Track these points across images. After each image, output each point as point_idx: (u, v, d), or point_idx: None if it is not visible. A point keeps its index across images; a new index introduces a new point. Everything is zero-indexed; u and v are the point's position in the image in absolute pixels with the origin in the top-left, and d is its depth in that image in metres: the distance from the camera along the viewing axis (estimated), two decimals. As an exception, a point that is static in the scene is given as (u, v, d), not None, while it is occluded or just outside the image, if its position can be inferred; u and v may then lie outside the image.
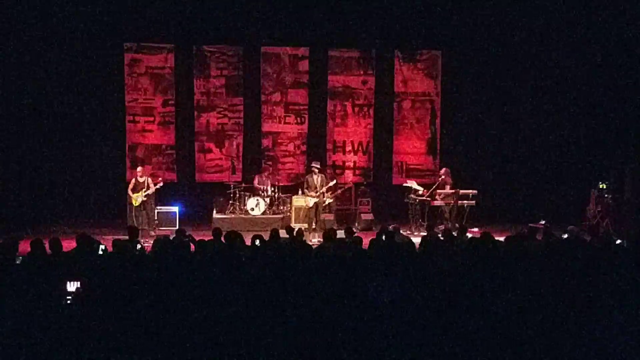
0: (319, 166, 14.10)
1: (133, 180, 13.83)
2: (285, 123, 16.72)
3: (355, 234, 9.72)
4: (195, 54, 16.32)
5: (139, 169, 14.05)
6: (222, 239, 9.19)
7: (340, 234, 10.49)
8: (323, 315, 5.72)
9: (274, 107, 16.68)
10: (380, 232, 9.66)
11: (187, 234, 9.63)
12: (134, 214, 13.54)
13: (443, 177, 14.56)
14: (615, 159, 15.41)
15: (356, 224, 15.15)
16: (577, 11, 16.03)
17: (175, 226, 13.96)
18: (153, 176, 14.39)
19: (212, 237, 9.43)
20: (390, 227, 9.99)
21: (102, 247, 8.87)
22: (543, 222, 13.28)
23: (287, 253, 8.16)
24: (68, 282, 6.68)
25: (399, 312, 5.86)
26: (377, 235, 9.68)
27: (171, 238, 9.28)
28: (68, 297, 6.48)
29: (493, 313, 5.86)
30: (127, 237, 9.35)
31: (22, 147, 15.41)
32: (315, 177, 13.83)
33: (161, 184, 14.00)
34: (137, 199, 13.55)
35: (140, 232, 13.14)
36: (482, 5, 16.33)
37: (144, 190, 13.62)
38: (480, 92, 16.99)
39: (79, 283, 6.59)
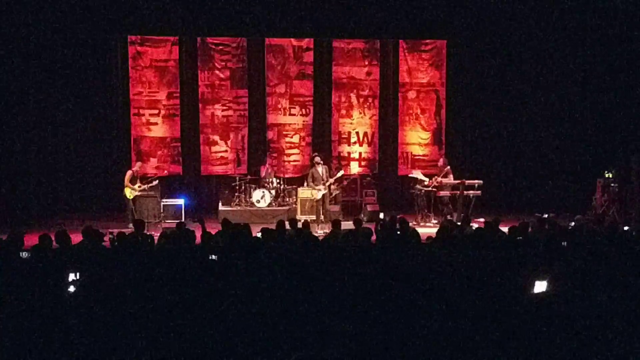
0: (320, 157, 14.08)
1: (129, 173, 13.92)
2: (290, 115, 16.71)
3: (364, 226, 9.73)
4: (200, 47, 16.29)
5: (138, 163, 14.10)
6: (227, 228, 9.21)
7: (349, 225, 10.43)
8: (337, 305, 5.72)
9: (279, 98, 16.65)
10: (385, 223, 9.64)
11: (187, 226, 9.65)
12: (129, 206, 13.65)
13: (449, 167, 14.51)
14: (620, 147, 15.36)
15: (362, 215, 15.13)
16: (584, 1, 15.94)
17: (182, 219, 13.98)
18: (159, 169, 14.40)
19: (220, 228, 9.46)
20: (397, 217, 9.96)
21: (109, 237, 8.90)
22: (552, 215, 13.24)
23: (295, 244, 8.16)
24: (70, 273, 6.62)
25: (408, 303, 5.85)
26: (382, 227, 9.64)
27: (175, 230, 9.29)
28: (72, 290, 6.46)
29: (498, 304, 5.84)
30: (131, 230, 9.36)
31: (27, 141, 15.42)
32: (320, 168, 13.81)
33: (156, 182, 14.03)
34: (131, 192, 13.67)
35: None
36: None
37: (138, 185, 13.73)
38: (486, 82, 16.93)
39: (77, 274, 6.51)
